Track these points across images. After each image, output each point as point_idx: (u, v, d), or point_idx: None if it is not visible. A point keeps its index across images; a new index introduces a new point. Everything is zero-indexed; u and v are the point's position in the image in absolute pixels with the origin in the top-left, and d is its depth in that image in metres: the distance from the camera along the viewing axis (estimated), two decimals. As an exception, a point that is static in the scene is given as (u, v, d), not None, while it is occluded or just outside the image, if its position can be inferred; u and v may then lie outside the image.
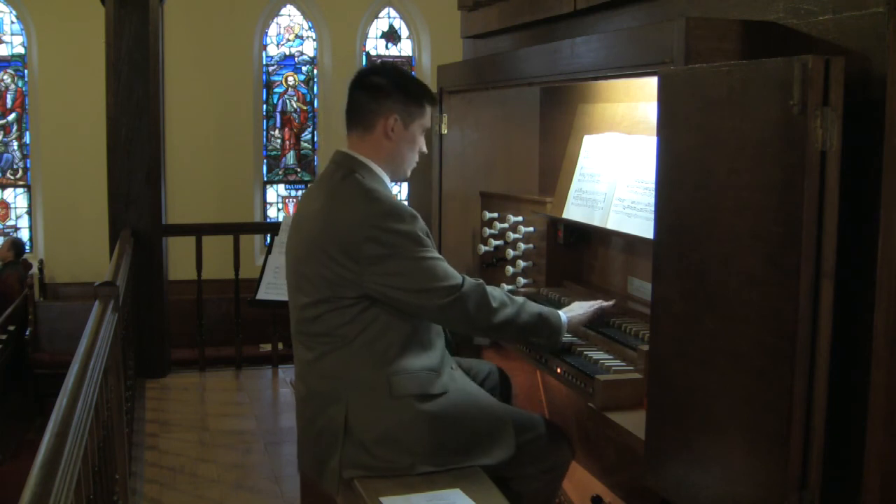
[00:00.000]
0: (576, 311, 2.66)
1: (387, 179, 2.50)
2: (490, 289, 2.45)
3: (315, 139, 10.91)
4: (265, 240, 7.67)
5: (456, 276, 2.39)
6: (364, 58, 10.92)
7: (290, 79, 10.81)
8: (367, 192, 2.38)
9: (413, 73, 10.92)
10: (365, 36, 10.95)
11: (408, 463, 2.38)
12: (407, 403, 2.39)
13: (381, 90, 2.48)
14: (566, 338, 2.65)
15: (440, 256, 2.41)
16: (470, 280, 2.42)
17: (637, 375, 2.31)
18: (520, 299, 2.53)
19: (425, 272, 2.34)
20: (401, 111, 2.48)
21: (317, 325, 2.42)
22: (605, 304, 2.71)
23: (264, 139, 10.74)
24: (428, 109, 2.55)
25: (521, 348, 2.78)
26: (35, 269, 9.63)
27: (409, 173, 2.61)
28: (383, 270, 2.32)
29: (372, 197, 2.37)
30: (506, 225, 3.32)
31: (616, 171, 2.80)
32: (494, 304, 2.43)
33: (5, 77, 10.25)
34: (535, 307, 2.54)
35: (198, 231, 5.89)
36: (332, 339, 2.40)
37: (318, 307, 2.40)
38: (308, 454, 2.53)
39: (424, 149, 2.60)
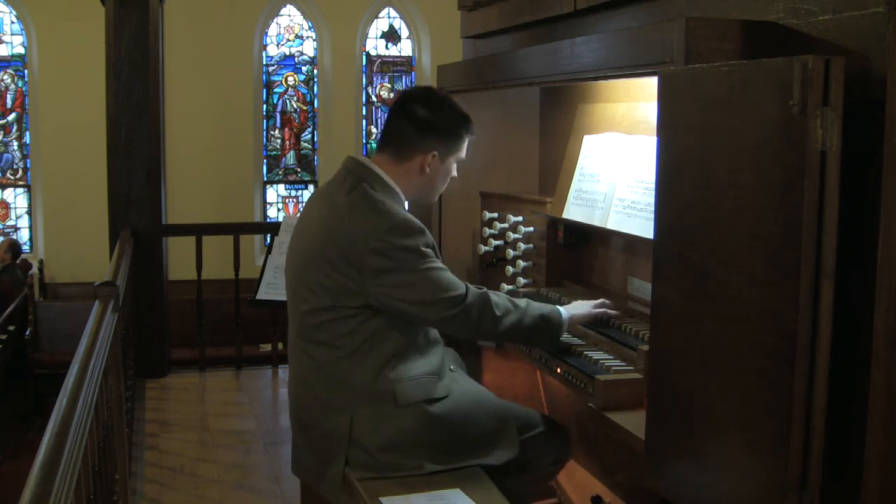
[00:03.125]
0: (578, 308, 2.64)
1: (402, 196, 2.47)
2: (493, 296, 2.43)
3: (315, 139, 10.90)
4: (265, 240, 7.67)
5: (459, 287, 2.37)
6: (364, 58, 10.92)
7: (290, 79, 10.81)
8: (375, 205, 2.35)
9: (414, 74, 10.92)
10: (365, 36, 10.95)
11: (413, 465, 2.38)
12: (412, 410, 2.38)
13: (425, 124, 2.44)
14: (566, 337, 2.66)
15: (444, 267, 2.39)
16: (473, 290, 2.40)
17: (637, 375, 2.31)
18: (522, 303, 2.51)
19: (429, 284, 2.33)
20: (441, 147, 2.46)
21: (319, 334, 2.40)
22: (610, 311, 2.68)
23: (264, 139, 10.73)
24: (466, 140, 2.54)
25: (521, 348, 2.78)
26: (35, 269, 9.63)
27: (434, 200, 2.59)
28: (387, 282, 2.31)
29: (379, 210, 2.34)
30: (506, 225, 3.31)
31: (616, 171, 2.80)
32: (498, 313, 2.41)
33: (5, 77, 10.24)
34: (537, 309, 2.52)
35: (198, 231, 5.89)
36: (335, 349, 2.38)
37: (319, 315, 2.39)
38: (306, 458, 2.52)
39: (455, 174, 2.58)
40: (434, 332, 2.51)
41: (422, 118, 2.45)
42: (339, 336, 2.37)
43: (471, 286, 2.41)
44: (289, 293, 2.53)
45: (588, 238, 3.06)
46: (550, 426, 2.66)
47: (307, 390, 2.48)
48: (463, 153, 2.55)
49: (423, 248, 2.33)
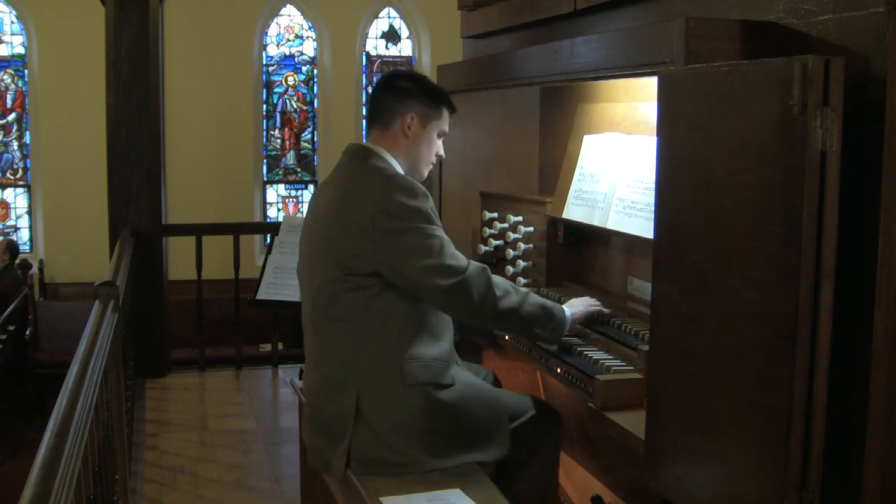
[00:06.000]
0: (575, 306, 2.67)
1: (401, 171, 2.54)
2: (494, 276, 2.46)
3: (315, 139, 10.90)
4: (265, 240, 7.67)
5: (461, 258, 2.41)
6: (364, 58, 10.91)
7: (290, 79, 10.80)
8: (381, 171, 2.46)
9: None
10: (365, 36, 10.94)
11: (415, 456, 2.39)
12: (419, 392, 2.40)
13: (404, 91, 2.58)
14: (565, 337, 2.65)
15: (447, 238, 2.42)
16: (475, 264, 2.43)
17: (637, 375, 2.31)
18: (523, 290, 2.54)
19: (432, 249, 2.37)
20: (419, 111, 2.57)
21: (329, 308, 2.44)
22: (603, 308, 2.70)
23: (264, 139, 10.73)
24: (445, 114, 2.63)
25: (521, 347, 2.78)
26: (35, 269, 9.62)
27: (424, 174, 2.65)
28: (394, 246, 2.35)
29: (386, 175, 2.44)
30: (506, 225, 3.32)
31: (616, 171, 2.80)
32: (498, 293, 2.43)
33: (5, 77, 10.24)
34: (538, 298, 2.57)
35: (198, 231, 5.89)
36: (346, 324, 2.42)
37: (328, 288, 2.43)
38: (315, 442, 2.53)
39: (442, 153, 2.66)
40: (446, 320, 2.53)
41: (401, 87, 2.60)
42: (351, 310, 2.41)
43: (472, 261, 2.44)
44: (301, 279, 2.60)
45: (588, 238, 3.06)
46: (540, 409, 2.67)
47: (317, 372, 2.52)
48: (444, 125, 2.64)
49: (429, 212, 2.41)
